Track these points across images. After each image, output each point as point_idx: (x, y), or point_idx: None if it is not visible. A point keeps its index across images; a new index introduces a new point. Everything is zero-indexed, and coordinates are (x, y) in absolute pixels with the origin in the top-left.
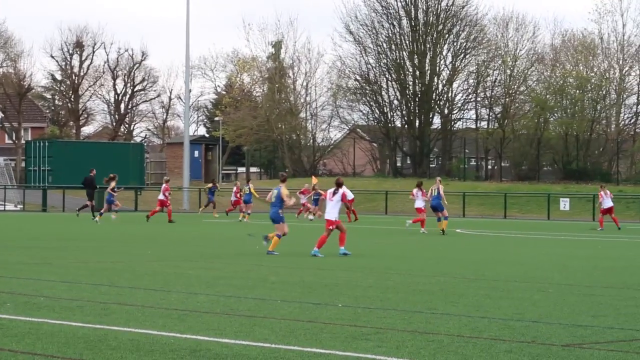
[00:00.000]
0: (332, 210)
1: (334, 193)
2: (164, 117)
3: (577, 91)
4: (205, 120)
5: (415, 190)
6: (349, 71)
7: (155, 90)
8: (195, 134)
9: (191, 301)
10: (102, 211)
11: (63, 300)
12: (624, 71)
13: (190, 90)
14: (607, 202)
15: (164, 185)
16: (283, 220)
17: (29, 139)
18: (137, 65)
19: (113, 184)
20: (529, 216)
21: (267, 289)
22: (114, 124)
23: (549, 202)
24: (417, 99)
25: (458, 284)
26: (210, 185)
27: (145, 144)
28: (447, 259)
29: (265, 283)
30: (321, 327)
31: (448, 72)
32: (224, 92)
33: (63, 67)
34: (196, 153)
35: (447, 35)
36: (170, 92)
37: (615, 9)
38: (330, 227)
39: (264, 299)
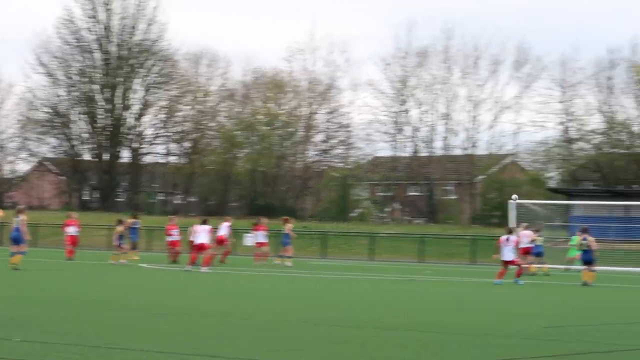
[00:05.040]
0: (508, 253)
1: (507, 240)
2: None
3: (266, 128)
4: None
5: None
6: (39, 103)
7: None
8: None
9: None
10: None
11: None
12: (312, 108)
13: None
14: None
15: None
16: None
17: None
18: None
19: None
20: None
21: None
22: None
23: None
24: (107, 133)
25: (137, 318)
26: (131, 220)
27: None
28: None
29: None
30: None
31: (139, 106)
32: None
33: None
34: None
35: (139, 69)
36: None
37: (306, 48)
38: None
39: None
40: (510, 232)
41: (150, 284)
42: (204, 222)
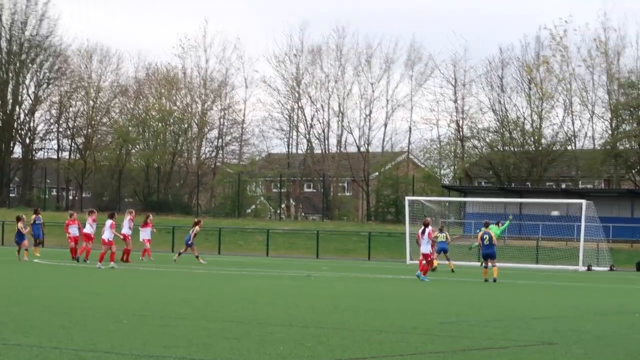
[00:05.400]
0: (425, 246)
1: (423, 232)
2: None
3: (160, 124)
4: None
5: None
6: None
7: None
8: None
9: None
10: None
11: None
12: (205, 105)
13: None
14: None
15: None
16: None
17: None
18: None
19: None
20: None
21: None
22: None
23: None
24: None
25: (30, 314)
26: (33, 216)
27: None
28: (19, 290)
29: None
30: None
31: (30, 101)
32: None
33: None
34: None
35: (30, 65)
36: None
37: (199, 45)
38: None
39: None
40: (426, 225)
41: (46, 280)
42: (111, 217)
